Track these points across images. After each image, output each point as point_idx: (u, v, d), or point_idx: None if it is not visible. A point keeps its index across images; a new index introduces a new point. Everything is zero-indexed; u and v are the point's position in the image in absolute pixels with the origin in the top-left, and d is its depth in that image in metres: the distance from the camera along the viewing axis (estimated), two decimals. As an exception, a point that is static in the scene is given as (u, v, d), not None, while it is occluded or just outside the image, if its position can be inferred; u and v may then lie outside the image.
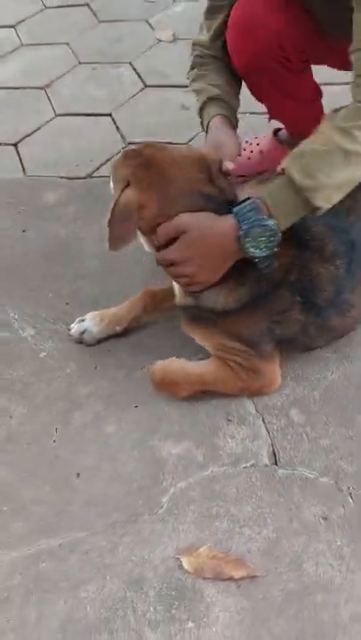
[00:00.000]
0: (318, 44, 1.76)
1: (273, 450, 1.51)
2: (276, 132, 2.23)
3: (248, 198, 1.34)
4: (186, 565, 1.31)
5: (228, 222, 1.34)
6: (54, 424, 1.60)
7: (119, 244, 1.40)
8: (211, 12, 1.77)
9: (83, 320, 1.76)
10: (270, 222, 1.30)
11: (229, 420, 1.57)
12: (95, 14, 3.51)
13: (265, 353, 1.52)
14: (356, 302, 1.51)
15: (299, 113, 1.94)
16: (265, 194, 1.34)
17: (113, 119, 2.70)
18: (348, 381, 1.63)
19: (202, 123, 1.75)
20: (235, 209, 1.34)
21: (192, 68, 1.81)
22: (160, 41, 3.15)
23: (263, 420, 1.57)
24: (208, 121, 1.69)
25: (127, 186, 1.38)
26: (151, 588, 1.29)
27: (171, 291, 1.64)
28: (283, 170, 1.34)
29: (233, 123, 1.71)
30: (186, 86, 2.56)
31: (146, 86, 2.86)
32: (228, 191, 1.43)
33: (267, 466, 1.48)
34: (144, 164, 1.40)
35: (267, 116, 2.07)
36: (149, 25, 3.31)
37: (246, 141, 2.20)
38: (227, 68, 1.78)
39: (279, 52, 1.72)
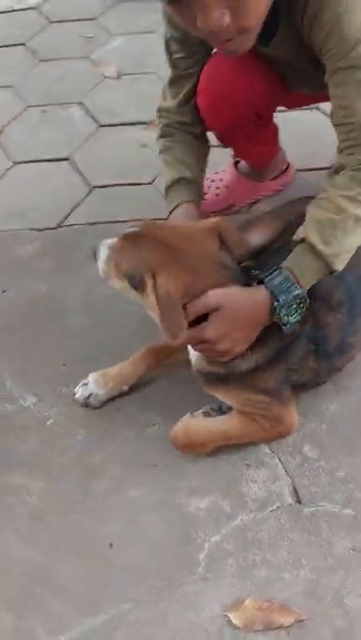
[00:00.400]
0: (285, 97, 1.85)
1: (294, 488, 1.55)
2: (236, 164, 2.28)
3: (277, 268, 1.39)
4: (235, 621, 1.33)
5: (261, 294, 1.38)
6: (75, 495, 1.59)
7: (179, 332, 1.35)
8: (176, 82, 1.80)
9: (86, 383, 1.76)
10: (301, 291, 1.37)
11: (248, 465, 1.60)
12: (33, 53, 3.48)
13: (285, 399, 1.56)
14: (356, 343, 1.60)
15: (263, 154, 2.07)
16: (290, 263, 1.40)
17: (73, 162, 2.69)
18: (350, 410, 1.68)
19: (168, 201, 1.77)
20: (266, 280, 1.38)
21: (160, 136, 1.83)
22: (105, 77, 3.15)
23: (279, 459, 1.60)
24: (175, 206, 1.72)
25: (154, 274, 1.35)
26: (206, 651, 1.30)
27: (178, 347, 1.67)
28: (303, 239, 1.41)
29: (199, 207, 1.77)
30: (142, 123, 2.63)
31: (100, 126, 2.86)
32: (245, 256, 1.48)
33: (291, 505, 1.52)
34: (160, 246, 1.38)
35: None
36: (91, 61, 3.31)
37: (208, 179, 2.23)
38: (195, 138, 1.83)
39: (254, 115, 1.84)
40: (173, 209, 1.73)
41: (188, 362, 1.63)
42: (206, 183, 2.08)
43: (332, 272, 1.41)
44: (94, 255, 1.50)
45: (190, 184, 1.75)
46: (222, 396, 1.59)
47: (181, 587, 1.41)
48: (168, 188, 1.76)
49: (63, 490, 1.61)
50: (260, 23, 1.40)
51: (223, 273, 1.40)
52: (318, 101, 2.14)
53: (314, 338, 1.53)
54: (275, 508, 1.52)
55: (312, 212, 1.44)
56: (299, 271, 1.39)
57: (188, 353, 1.68)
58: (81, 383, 1.77)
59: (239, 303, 1.39)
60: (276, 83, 1.83)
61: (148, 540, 1.49)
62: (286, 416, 1.57)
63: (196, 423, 1.60)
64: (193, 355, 1.58)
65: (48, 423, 1.76)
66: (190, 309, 1.38)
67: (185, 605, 1.38)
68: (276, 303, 1.37)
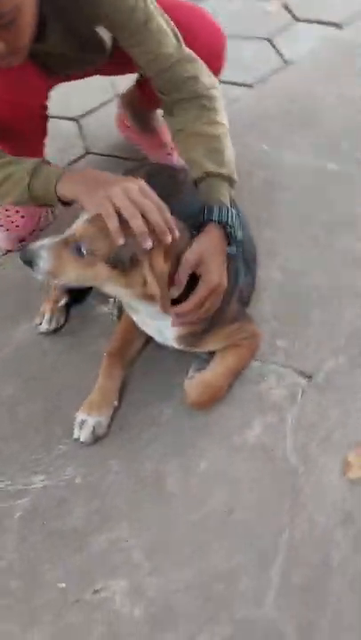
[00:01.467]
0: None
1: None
2: None
3: (207, 207, 1.56)
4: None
5: (215, 230, 1.54)
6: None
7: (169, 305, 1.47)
8: None
9: (83, 421, 1.70)
10: (233, 209, 1.58)
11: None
12: None
13: (247, 315, 1.79)
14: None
15: None
16: (210, 196, 1.58)
17: None
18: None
19: (44, 183, 1.57)
20: (213, 218, 1.55)
21: None
22: None
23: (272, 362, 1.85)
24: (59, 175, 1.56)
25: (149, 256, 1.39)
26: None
27: (132, 336, 1.78)
28: (205, 174, 1.59)
29: None
30: None
31: None
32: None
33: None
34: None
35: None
36: None
37: None
38: None
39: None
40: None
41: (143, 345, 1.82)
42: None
43: (233, 184, 1.63)
44: (27, 261, 1.44)
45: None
46: (207, 346, 1.73)
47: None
48: (33, 175, 1.56)
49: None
50: (31, 37, 1.50)
51: (184, 233, 1.52)
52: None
53: (244, 258, 1.78)
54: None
55: (190, 151, 1.62)
56: (219, 197, 1.58)
57: (141, 336, 1.80)
58: (77, 426, 1.71)
59: (209, 248, 1.52)
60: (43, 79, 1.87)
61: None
62: (254, 327, 1.81)
63: (205, 376, 1.72)
64: (172, 338, 1.66)
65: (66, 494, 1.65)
66: (182, 276, 1.47)
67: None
68: (229, 229, 1.55)
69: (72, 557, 1.53)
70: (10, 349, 1.96)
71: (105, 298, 2.01)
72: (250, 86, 2.72)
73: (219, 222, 1.56)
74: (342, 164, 2.38)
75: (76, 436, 1.70)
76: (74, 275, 1.45)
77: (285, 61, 2.82)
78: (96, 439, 1.71)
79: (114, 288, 1.49)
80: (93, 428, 1.69)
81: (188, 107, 1.64)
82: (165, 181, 1.74)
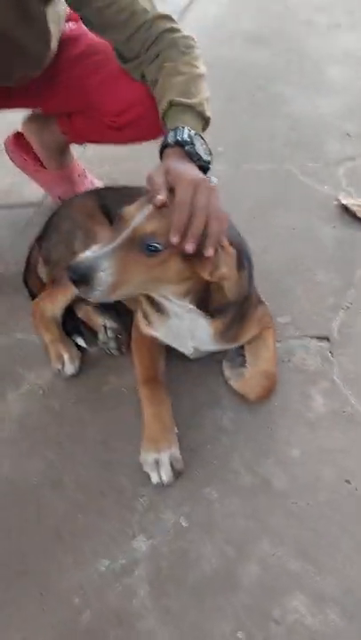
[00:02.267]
0: None
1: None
2: None
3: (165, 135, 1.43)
4: None
5: (172, 151, 1.38)
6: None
7: None
8: None
9: (156, 462, 1.48)
10: (192, 131, 1.41)
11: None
12: None
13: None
14: None
15: None
16: (170, 124, 1.44)
17: None
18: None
19: None
20: (168, 140, 1.40)
21: None
22: None
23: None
24: None
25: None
26: None
27: (158, 355, 1.65)
28: (168, 103, 1.47)
29: None
30: None
31: None
32: None
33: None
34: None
35: None
36: None
37: None
38: None
39: None
40: None
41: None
42: None
43: (206, 120, 1.49)
44: (83, 279, 1.22)
45: None
46: (245, 336, 1.62)
47: None
48: None
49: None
50: None
51: None
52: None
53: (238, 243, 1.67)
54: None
55: (162, 83, 1.53)
56: (181, 123, 1.43)
57: (162, 354, 1.66)
58: (151, 469, 1.48)
59: (172, 162, 1.34)
60: None
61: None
62: (266, 307, 1.74)
63: (259, 367, 1.63)
64: (206, 332, 1.53)
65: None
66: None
67: None
68: (188, 148, 1.38)
69: (232, 599, 1.30)
70: (11, 420, 1.64)
71: (92, 333, 1.80)
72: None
73: (176, 144, 1.39)
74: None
75: (155, 480, 1.46)
76: (141, 280, 1.27)
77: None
78: (177, 476, 1.49)
79: (171, 286, 1.34)
80: (171, 464, 1.47)
81: (167, 54, 1.56)
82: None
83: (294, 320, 1.88)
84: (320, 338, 1.83)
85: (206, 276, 1.31)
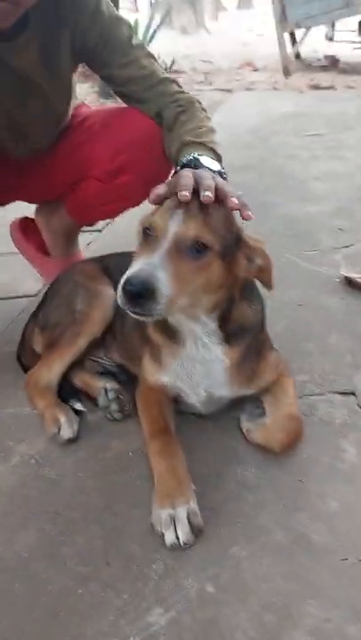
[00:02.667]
0: None
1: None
2: None
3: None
4: None
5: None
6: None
7: None
8: None
9: (173, 516, 1.23)
10: (196, 153, 1.53)
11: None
12: None
13: None
14: None
15: None
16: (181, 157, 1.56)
17: None
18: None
19: None
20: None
21: None
22: None
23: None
24: None
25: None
26: None
27: (167, 410, 1.49)
28: (181, 143, 1.62)
29: None
30: None
31: None
32: None
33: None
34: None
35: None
36: None
37: None
38: None
39: None
40: None
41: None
42: None
43: (218, 156, 1.59)
44: (143, 295, 1.11)
45: None
46: (262, 378, 1.48)
47: None
48: None
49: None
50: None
51: None
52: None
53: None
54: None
55: (178, 129, 1.69)
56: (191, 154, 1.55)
57: (171, 409, 1.51)
58: (165, 528, 1.23)
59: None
60: None
61: None
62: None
63: (282, 412, 1.45)
64: (221, 365, 1.40)
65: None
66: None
67: None
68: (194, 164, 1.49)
69: None
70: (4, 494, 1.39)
71: (91, 401, 1.62)
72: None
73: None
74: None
75: (171, 540, 1.21)
76: (193, 287, 1.19)
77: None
78: (196, 534, 1.23)
79: (210, 296, 1.27)
80: (189, 519, 1.23)
81: (187, 106, 1.75)
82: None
83: (313, 378, 1.73)
84: (344, 393, 1.66)
85: (243, 272, 1.28)
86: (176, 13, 13.03)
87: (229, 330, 1.36)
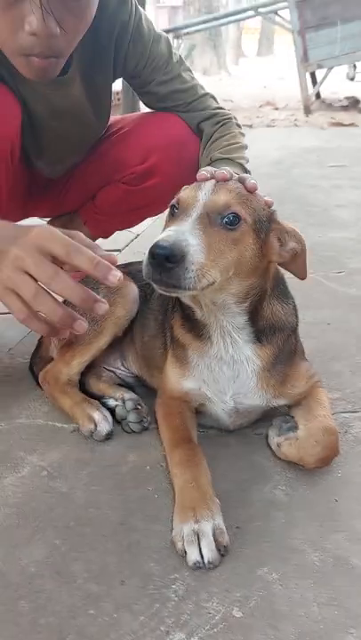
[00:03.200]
0: None
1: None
2: None
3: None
4: None
5: None
6: None
7: None
8: None
9: (196, 532, 1.11)
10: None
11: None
12: None
13: None
14: None
15: None
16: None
17: None
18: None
19: None
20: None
21: None
22: None
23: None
24: None
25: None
26: None
27: (190, 419, 1.40)
28: (210, 159, 1.67)
29: None
30: None
31: None
32: None
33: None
34: None
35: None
36: None
37: None
38: None
39: None
40: None
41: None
42: None
43: (246, 171, 1.63)
44: (172, 260, 1.03)
45: None
46: (291, 389, 1.37)
47: None
48: None
49: None
50: (73, 47, 1.42)
51: None
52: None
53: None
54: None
55: (212, 142, 1.73)
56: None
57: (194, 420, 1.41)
58: (188, 544, 1.11)
59: None
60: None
61: None
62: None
63: (318, 424, 1.32)
64: (251, 366, 1.32)
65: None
66: None
67: None
68: None
69: None
70: (7, 505, 1.28)
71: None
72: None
73: None
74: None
75: (194, 559, 1.09)
76: (226, 260, 1.12)
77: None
78: (223, 553, 1.11)
79: (243, 278, 1.20)
80: (214, 536, 1.11)
81: (226, 123, 1.78)
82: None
83: (346, 395, 1.62)
84: (377, 411, 1.55)
85: (276, 256, 1.23)
86: (199, 56, 13.39)
87: (260, 326, 1.29)
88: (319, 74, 8.12)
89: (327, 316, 2.09)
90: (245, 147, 1.74)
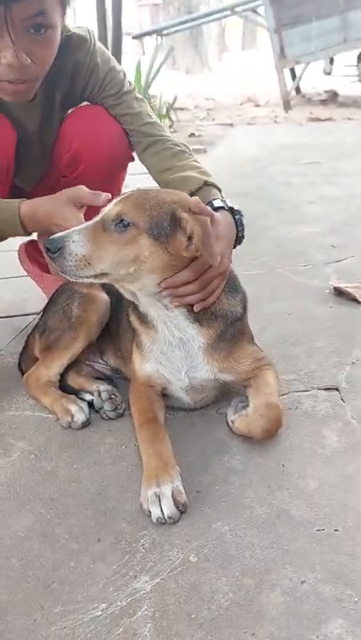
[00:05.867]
0: None
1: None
2: None
3: (219, 200, 1.68)
4: None
5: (228, 215, 1.67)
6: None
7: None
8: None
9: (158, 494, 1.31)
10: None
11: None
12: None
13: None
14: None
15: None
16: (215, 197, 1.72)
17: None
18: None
19: None
20: (225, 205, 1.66)
21: None
22: None
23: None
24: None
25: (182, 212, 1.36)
26: None
27: (155, 398, 1.59)
28: (204, 182, 1.80)
29: None
30: None
31: None
32: None
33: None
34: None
35: None
36: None
37: None
38: None
39: None
40: None
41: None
42: None
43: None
44: (56, 249, 1.33)
45: None
46: (237, 364, 1.55)
47: None
48: None
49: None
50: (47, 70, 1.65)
51: None
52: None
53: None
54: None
55: (183, 172, 1.85)
56: (221, 198, 1.74)
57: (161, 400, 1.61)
58: (151, 504, 1.31)
59: (224, 223, 1.59)
60: None
61: None
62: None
63: (264, 400, 1.50)
64: (197, 343, 1.51)
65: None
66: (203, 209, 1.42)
67: None
68: (238, 217, 1.69)
69: (258, 631, 1.05)
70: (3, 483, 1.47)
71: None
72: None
73: (232, 212, 1.67)
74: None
75: (156, 515, 1.29)
76: (114, 255, 1.33)
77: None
78: (182, 510, 1.31)
79: (152, 275, 1.38)
80: (173, 495, 1.31)
81: (176, 152, 1.95)
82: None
83: (299, 376, 1.81)
84: (328, 389, 1.74)
85: (186, 252, 1.36)
86: (180, 55, 13.56)
87: (200, 313, 1.48)
88: (299, 69, 8.31)
89: (290, 306, 2.28)
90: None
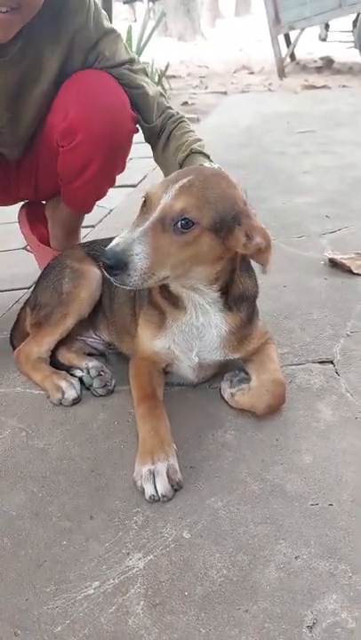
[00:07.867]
0: None
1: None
2: None
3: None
4: None
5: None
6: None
7: None
8: None
9: (152, 471, 1.29)
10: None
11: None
12: None
13: None
14: None
15: None
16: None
17: None
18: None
19: None
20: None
21: None
22: None
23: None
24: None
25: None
26: None
27: (156, 374, 1.55)
28: (191, 150, 1.80)
29: None
30: None
31: None
32: None
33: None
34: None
35: None
36: None
37: None
38: None
39: None
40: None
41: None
42: None
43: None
44: (118, 266, 1.21)
45: None
46: (248, 345, 1.54)
47: None
48: None
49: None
50: (34, 11, 1.58)
51: None
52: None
53: None
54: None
55: (177, 141, 1.85)
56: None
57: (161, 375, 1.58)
58: (145, 481, 1.29)
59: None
60: None
61: None
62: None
63: (268, 376, 1.50)
64: (218, 330, 1.49)
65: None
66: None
67: None
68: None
69: (252, 608, 1.05)
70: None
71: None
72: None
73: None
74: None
75: (150, 492, 1.27)
76: (176, 260, 1.26)
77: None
78: (176, 488, 1.29)
79: (205, 267, 1.34)
80: (168, 473, 1.29)
81: (177, 125, 1.92)
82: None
83: (294, 349, 1.79)
84: (323, 362, 1.72)
85: (241, 249, 1.32)
86: (172, 21, 13.26)
87: (231, 298, 1.45)
88: (293, 35, 8.13)
89: (284, 278, 2.25)
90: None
